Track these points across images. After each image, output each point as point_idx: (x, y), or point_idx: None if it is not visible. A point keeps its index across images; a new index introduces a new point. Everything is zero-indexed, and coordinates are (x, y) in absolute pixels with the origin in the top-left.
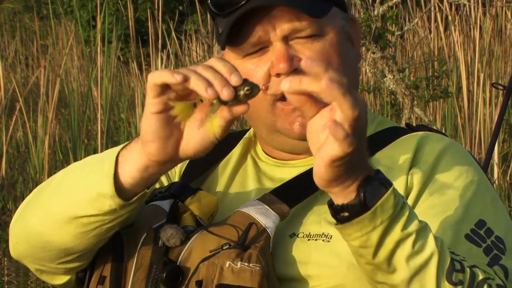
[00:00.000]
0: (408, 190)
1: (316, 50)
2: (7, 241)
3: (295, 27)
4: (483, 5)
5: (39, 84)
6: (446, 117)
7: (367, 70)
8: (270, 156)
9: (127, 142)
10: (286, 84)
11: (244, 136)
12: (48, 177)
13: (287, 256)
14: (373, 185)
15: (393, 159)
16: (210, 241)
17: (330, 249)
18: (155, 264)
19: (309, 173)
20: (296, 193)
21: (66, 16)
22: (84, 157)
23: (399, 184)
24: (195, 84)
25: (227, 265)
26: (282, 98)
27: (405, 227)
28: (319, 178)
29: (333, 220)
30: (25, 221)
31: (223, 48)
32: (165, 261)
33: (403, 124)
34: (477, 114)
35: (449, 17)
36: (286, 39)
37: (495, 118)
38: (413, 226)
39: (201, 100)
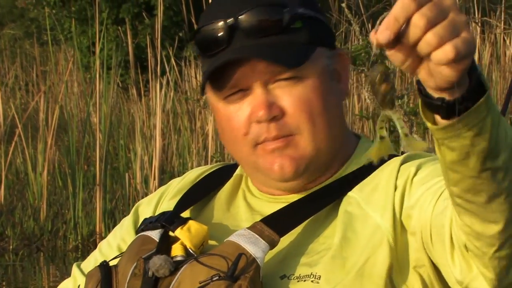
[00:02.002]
0: (401, 196)
1: (295, 96)
2: (5, 268)
3: (274, 71)
4: (482, 31)
5: (38, 110)
6: None
7: (366, 96)
8: (262, 191)
9: None
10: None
11: (236, 173)
12: (46, 203)
13: None
14: (479, 68)
15: (379, 177)
16: (200, 271)
17: None
18: None
19: (300, 202)
20: (287, 222)
21: (67, 42)
22: (83, 184)
23: (388, 201)
24: None
25: None
26: (263, 141)
27: (497, 107)
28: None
29: (321, 260)
30: None
31: (202, 94)
32: None
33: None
34: None
35: None
36: (265, 83)
37: None
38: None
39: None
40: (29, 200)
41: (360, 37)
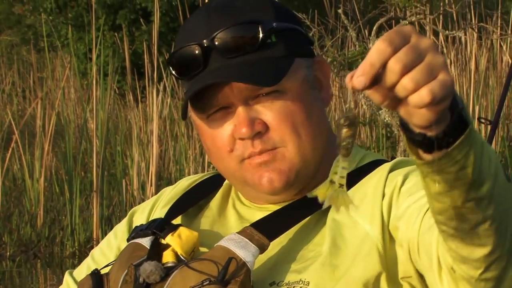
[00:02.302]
0: (389, 205)
1: (277, 110)
2: (2, 274)
3: (254, 88)
4: (479, 37)
5: (35, 116)
6: None
7: (363, 103)
8: (251, 201)
9: None
10: (360, 82)
11: (226, 182)
12: (44, 210)
13: None
14: (462, 102)
15: (367, 185)
16: (191, 277)
17: None
18: None
19: (288, 208)
20: (276, 226)
21: (63, 49)
22: (80, 190)
23: (376, 209)
24: None
25: None
26: (249, 156)
27: (480, 136)
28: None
29: (310, 267)
30: None
31: (184, 119)
32: None
33: (398, 157)
34: None
35: (445, 50)
36: (246, 99)
37: None
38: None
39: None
40: (26, 207)
41: (357, 43)
